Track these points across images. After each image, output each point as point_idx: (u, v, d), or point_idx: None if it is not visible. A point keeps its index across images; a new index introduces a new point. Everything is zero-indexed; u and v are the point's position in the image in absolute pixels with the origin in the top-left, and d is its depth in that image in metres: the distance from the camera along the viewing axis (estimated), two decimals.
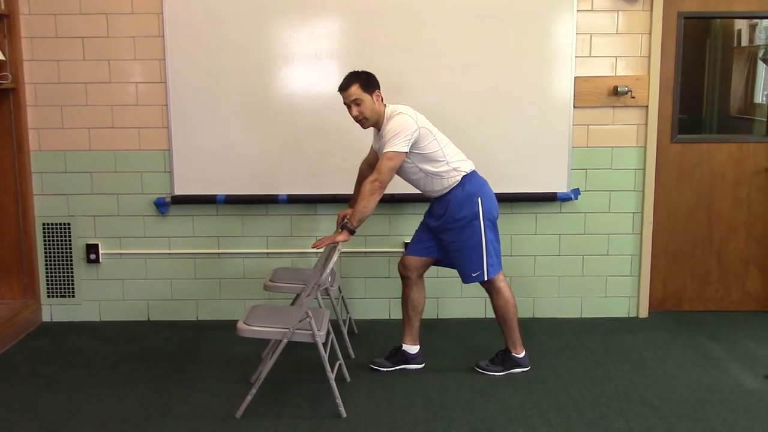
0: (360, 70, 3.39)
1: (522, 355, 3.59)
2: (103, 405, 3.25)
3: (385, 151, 3.29)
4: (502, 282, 3.53)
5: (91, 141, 4.22)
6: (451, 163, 3.40)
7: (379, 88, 3.38)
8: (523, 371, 3.58)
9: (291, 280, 3.75)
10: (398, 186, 3.62)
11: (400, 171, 3.43)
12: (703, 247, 4.48)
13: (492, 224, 3.46)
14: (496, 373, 3.55)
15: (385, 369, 3.61)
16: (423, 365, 3.64)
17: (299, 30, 4.10)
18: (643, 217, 4.35)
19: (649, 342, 4.02)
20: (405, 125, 3.29)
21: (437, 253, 3.56)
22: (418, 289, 3.60)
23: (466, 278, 3.51)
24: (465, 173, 3.42)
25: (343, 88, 3.35)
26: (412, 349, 3.63)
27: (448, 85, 4.13)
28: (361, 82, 3.32)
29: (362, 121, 3.38)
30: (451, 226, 3.44)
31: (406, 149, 3.30)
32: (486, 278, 3.46)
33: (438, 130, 3.43)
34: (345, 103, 3.38)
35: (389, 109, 3.39)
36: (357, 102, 3.32)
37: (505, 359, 3.59)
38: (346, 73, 3.39)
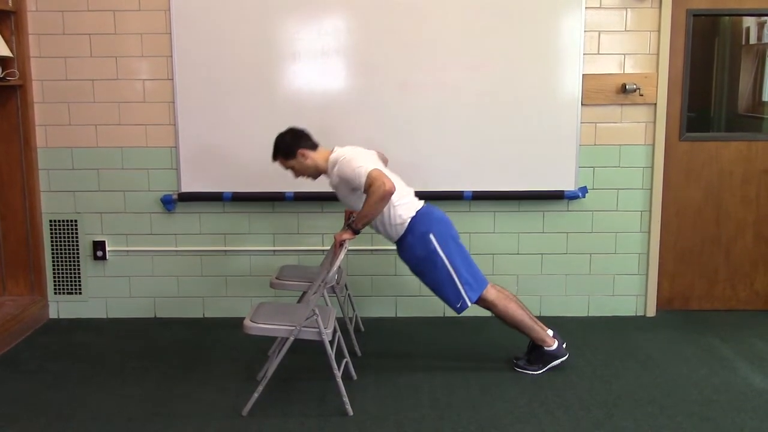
0: (279, 133, 3.47)
1: (554, 346, 3.54)
2: (110, 402, 3.26)
3: (364, 183, 3.21)
4: (490, 294, 3.46)
5: (98, 138, 4.23)
6: (396, 207, 3.35)
7: (303, 141, 3.42)
8: (562, 361, 3.55)
9: (297, 278, 3.74)
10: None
11: (347, 202, 3.47)
12: (711, 246, 4.46)
13: (454, 245, 3.40)
14: (535, 372, 3.53)
15: (535, 372, 3.55)
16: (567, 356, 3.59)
17: (306, 27, 4.09)
18: (650, 216, 4.33)
19: (657, 341, 4.01)
20: (350, 160, 3.28)
21: None
22: (500, 300, 3.48)
23: (455, 310, 3.46)
24: (410, 218, 3.37)
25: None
26: (552, 346, 3.57)
27: (454, 83, 4.12)
28: (281, 154, 3.47)
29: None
30: (419, 269, 3.44)
31: (371, 166, 3.23)
32: (469, 304, 3.42)
33: (387, 171, 3.35)
34: None
35: (332, 158, 3.39)
36: (289, 169, 3.49)
37: (539, 356, 3.55)
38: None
